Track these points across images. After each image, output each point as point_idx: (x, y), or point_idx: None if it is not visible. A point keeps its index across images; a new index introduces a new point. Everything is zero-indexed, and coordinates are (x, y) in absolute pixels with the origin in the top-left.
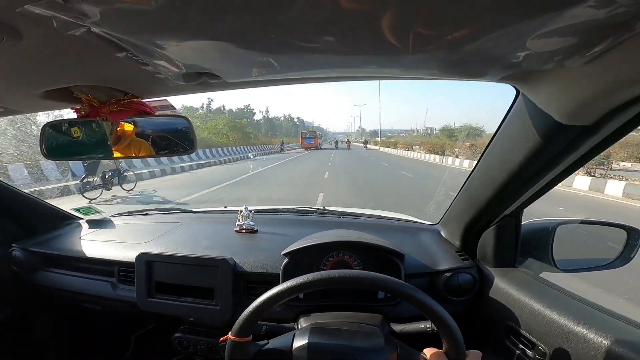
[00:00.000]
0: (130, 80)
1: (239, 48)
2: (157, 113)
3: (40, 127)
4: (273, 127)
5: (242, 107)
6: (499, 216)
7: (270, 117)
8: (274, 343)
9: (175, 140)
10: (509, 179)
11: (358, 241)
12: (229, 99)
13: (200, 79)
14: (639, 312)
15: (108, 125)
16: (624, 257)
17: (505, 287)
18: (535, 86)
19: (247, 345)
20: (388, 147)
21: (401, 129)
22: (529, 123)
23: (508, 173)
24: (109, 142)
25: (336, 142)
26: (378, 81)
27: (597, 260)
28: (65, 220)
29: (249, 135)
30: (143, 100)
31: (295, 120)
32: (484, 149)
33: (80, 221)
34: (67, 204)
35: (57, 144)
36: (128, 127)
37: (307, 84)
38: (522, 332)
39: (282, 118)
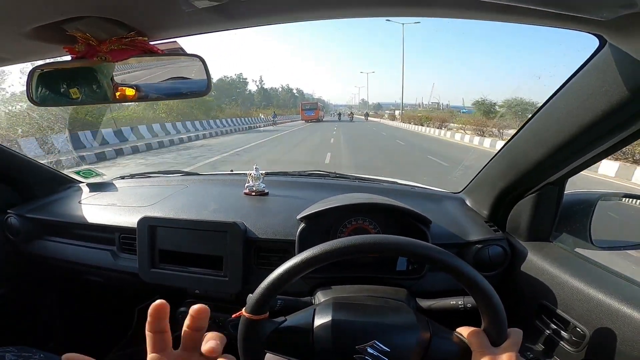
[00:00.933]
0: (132, 9)
1: None
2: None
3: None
4: (268, 97)
5: (234, 76)
6: (541, 183)
7: (265, 87)
8: (292, 320)
9: (189, 80)
10: (568, 140)
11: (385, 203)
12: (218, 69)
13: None
14: None
15: (108, 70)
16: None
17: (540, 262)
18: (633, 35)
19: (263, 323)
20: (421, 124)
21: (405, 103)
22: (619, 74)
23: (569, 133)
24: (107, 87)
25: (339, 115)
26: (401, 42)
27: (636, 239)
28: (64, 184)
29: (209, 106)
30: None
31: (294, 91)
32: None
33: (81, 185)
34: None
35: (48, 88)
36: (129, 91)
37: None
38: (558, 311)
39: (280, 89)
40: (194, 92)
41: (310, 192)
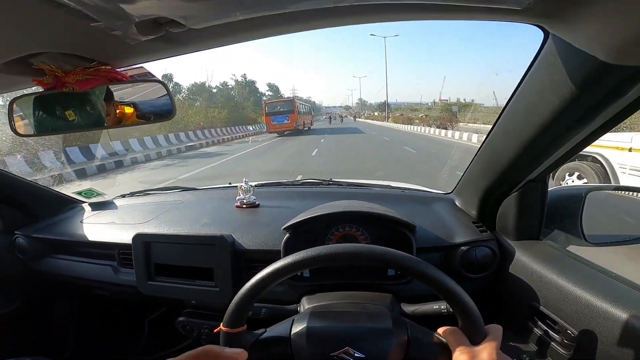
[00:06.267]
0: (87, 44)
1: None
2: (132, 80)
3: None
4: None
5: None
6: (522, 181)
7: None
8: (272, 331)
9: (153, 105)
10: (536, 136)
11: (363, 211)
12: None
13: (162, 31)
14: None
15: (99, 99)
16: None
17: (528, 262)
18: (571, 24)
19: (242, 335)
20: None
21: (409, 102)
22: (564, 67)
23: (535, 129)
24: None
25: (330, 118)
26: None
27: (631, 233)
28: (67, 204)
29: None
30: (118, 70)
31: (266, 89)
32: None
33: (83, 205)
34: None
35: (29, 118)
36: (128, 109)
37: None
38: (548, 312)
39: (233, 82)
40: (160, 115)
41: (301, 201)
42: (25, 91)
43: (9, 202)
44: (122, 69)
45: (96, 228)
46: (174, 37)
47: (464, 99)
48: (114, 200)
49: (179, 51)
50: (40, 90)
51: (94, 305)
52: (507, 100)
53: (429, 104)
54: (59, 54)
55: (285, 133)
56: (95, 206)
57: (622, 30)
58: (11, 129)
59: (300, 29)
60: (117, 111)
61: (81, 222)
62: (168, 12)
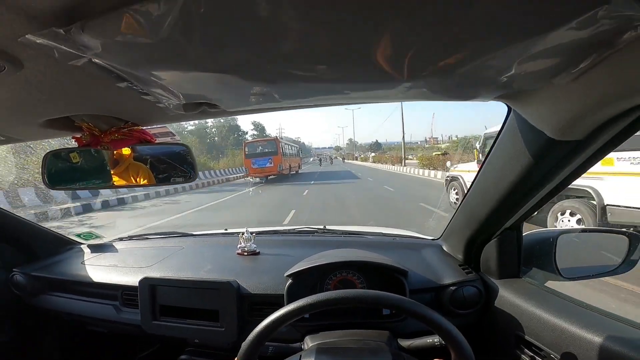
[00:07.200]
0: (131, 110)
1: (237, 79)
2: (157, 141)
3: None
4: None
5: None
6: (499, 230)
7: None
8: None
9: (175, 167)
10: (505, 195)
11: (360, 260)
12: None
13: (200, 109)
14: None
15: (107, 153)
16: (627, 263)
17: (510, 297)
18: (526, 104)
19: None
20: None
21: (397, 142)
22: (522, 140)
23: (504, 189)
24: (110, 170)
25: (320, 160)
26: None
27: (601, 267)
28: (66, 245)
29: None
30: (143, 128)
31: (251, 128)
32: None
33: (82, 246)
34: None
35: (59, 173)
36: (125, 150)
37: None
38: (532, 341)
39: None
40: (180, 177)
41: (299, 249)
42: (58, 145)
43: (7, 240)
44: (148, 127)
45: (99, 269)
46: (205, 111)
47: (457, 136)
48: (113, 243)
49: (203, 117)
50: (75, 146)
51: (85, 341)
52: (482, 162)
53: (419, 142)
54: (98, 114)
55: (267, 178)
56: (95, 248)
57: (562, 113)
58: (43, 181)
59: (298, 107)
60: (115, 152)
61: (82, 263)
62: (212, 98)
